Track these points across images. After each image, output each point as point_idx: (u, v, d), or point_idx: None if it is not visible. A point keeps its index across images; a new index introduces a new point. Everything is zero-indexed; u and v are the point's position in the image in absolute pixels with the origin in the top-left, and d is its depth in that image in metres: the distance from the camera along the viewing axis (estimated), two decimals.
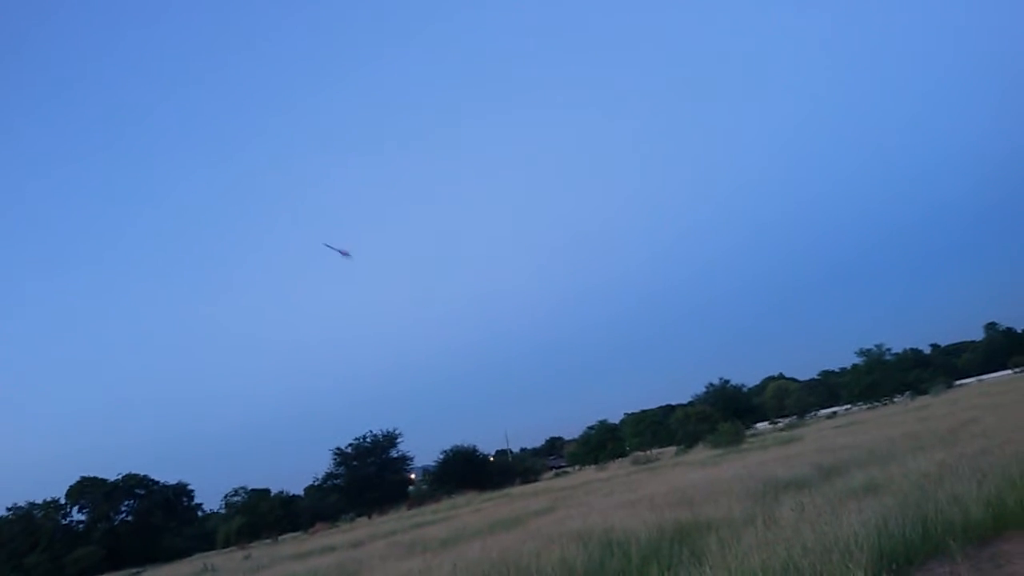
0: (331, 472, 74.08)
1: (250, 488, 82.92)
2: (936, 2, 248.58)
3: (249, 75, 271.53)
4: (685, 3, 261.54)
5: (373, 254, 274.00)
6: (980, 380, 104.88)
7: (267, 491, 79.80)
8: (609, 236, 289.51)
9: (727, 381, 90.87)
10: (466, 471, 71.83)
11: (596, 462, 78.99)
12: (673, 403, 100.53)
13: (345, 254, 52.84)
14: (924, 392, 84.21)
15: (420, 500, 67.56)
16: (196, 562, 47.67)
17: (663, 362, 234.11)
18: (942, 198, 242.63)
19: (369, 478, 71.38)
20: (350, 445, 73.94)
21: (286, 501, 75.99)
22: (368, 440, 74.34)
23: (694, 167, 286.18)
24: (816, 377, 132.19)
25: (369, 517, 64.51)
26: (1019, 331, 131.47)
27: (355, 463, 73.76)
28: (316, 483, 77.14)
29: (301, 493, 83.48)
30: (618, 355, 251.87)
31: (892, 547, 7.54)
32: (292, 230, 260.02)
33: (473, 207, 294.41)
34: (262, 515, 69.99)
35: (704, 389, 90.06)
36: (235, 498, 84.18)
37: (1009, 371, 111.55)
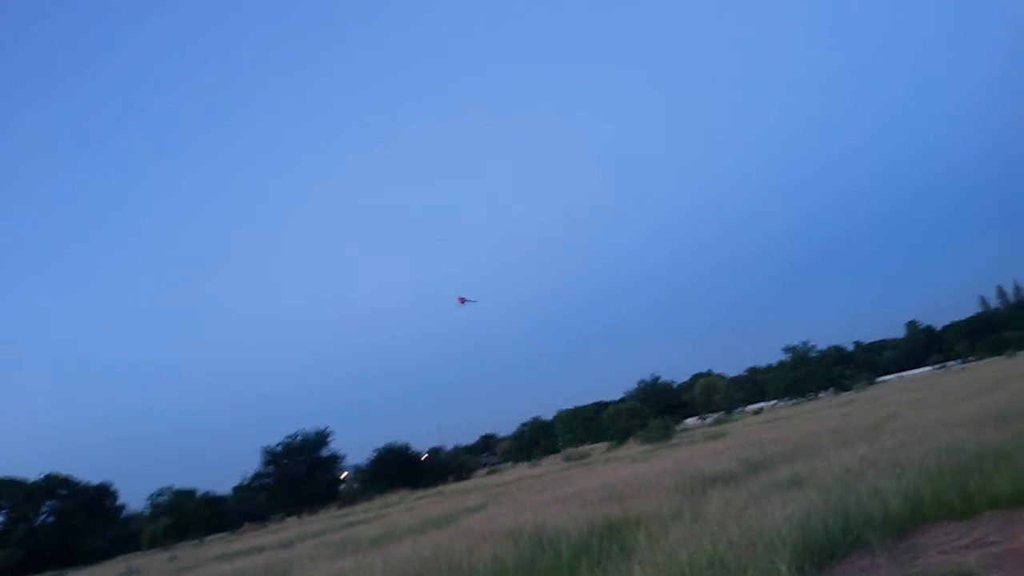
0: (260, 471, 72.96)
1: (175, 488, 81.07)
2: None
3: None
4: None
5: (296, 248, 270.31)
6: (901, 377, 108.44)
7: (193, 491, 78.06)
8: (540, 236, 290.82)
9: (658, 378, 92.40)
10: (398, 469, 71.54)
11: (529, 459, 79.45)
12: (606, 400, 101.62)
13: (472, 301, 52.91)
14: (847, 388, 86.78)
15: (351, 499, 67.01)
16: (119, 564, 46.39)
17: (596, 359, 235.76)
18: (863, 201, 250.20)
19: (299, 477, 70.49)
20: (280, 444, 72.91)
21: (213, 501, 74.43)
22: (298, 439, 73.41)
23: (635, 169, 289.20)
24: (744, 373, 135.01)
25: (299, 517, 63.76)
26: (938, 329, 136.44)
27: (285, 462, 72.75)
28: (244, 483, 75.86)
29: (229, 493, 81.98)
30: (552, 352, 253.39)
31: (815, 540, 7.71)
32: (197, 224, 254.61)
33: (408, 198, 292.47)
34: (188, 516, 68.44)
35: (636, 386, 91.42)
36: (160, 499, 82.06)
37: (928, 368, 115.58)
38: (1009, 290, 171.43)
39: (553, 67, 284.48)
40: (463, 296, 54.71)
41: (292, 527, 43.86)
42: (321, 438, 74.33)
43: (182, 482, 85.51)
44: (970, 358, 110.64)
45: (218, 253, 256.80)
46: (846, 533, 7.97)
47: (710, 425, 72.25)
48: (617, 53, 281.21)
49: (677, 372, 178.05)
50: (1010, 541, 6.73)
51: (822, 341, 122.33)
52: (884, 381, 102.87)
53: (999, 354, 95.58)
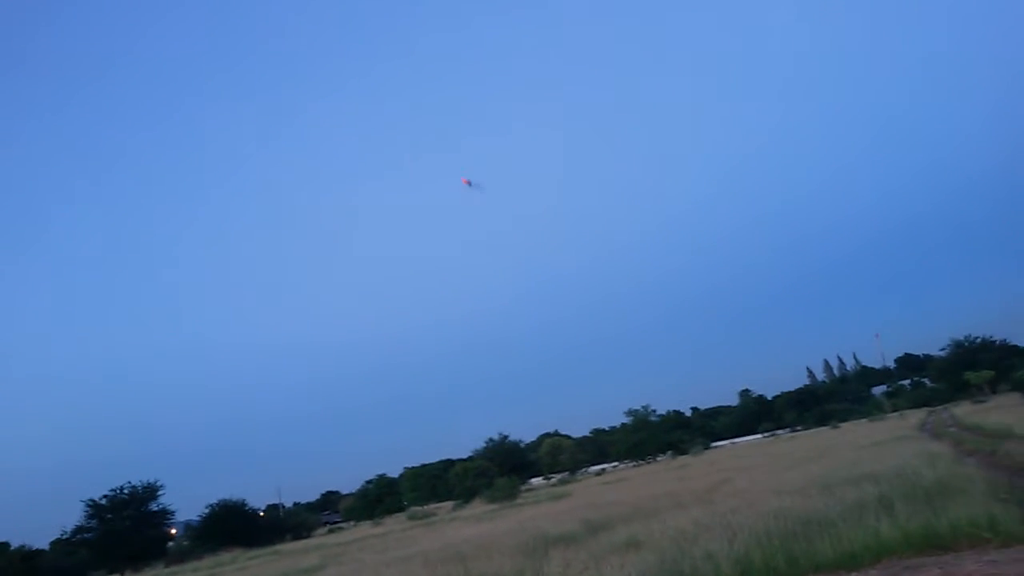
0: (82, 525, 67.70)
1: None
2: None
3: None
4: None
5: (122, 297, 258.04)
6: (734, 443, 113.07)
7: (6, 545, 71.87)
8: (390, 289, 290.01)
9: (506, 436, 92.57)
10: (233, 526, 68.11)
11: (372, 517, 77.51)
12: (453, 458, 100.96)
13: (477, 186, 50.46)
14: (685, 452, 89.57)
15: (181, 557, 63.30)
16: None
17: (444, 416, 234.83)
18: (696, 276, 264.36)
19: (125, 533, 65.83)
20: (105, 497, 68.07)
21: (27, 556, 68.57)
22: (126, 492, 68.79)
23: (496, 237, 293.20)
24: (588, 435, 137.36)
25: (122, 575, 59.59)
26: (769, 399, 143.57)
27: (109, 516, 67.89)
28: (64, 536, 70.21)
29: (47, 547, 75.64)
30: (399, 408, 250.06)
31: None
32: None
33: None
34: (0, 571, 62.71)
35: (484, 444, 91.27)
36: None
37: (759, 435, 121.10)
38: (834, 364, 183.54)
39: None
40: (469, 181, 53.10)
41: None
42: (150, 492, 69.89)
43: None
44: (798, 427, 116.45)
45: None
46: None
47: (555, 485, 72.85)
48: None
49: (525, 431, 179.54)
50: None
51: (662, 406, 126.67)
52: (719, 446, 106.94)
53: (824, 424, 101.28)
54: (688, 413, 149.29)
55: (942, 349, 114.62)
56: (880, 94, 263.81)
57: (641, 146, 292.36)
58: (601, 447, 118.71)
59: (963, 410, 61.72)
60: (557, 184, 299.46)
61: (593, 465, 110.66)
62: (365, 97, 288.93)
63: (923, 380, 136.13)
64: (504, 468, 76.71)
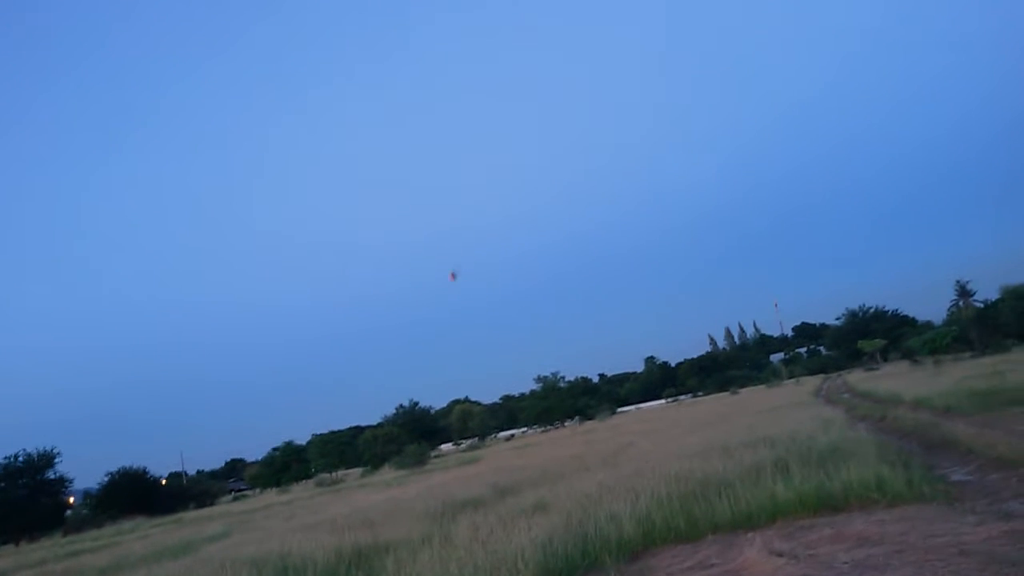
0: None
1: None
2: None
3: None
4: None
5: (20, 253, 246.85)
6: (639, 408, 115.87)
7: None
8: (304, 258, 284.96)
9: (416, 403, 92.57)
10: (134, 495, 66.45)
11: (279, 485, 76.59)
12: (363, 424, 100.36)
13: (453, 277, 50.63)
14: (591, 418, 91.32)
15: (79, 526, 61.34)
16: None
17: (355, 383, 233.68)
18: (605, 241, 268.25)
19: (19, 501, 63.44)
20: None
21: None
22: (20, 460, 66.19)
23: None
24: (498, 401, 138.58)
25: (16, 545, 57.48)
26: (672, 365, 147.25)
27: (3, 484, 65.28)
28: None
29: None
30: (309, 375, 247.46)
31: (555, 564, 7.98)
32: None
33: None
34: None
35: (394, 411, 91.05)
36: None
37: (663, 401, 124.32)
38: (735, 332, 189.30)
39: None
40: (454, 273, 53.61)
41: (8, 555, 39.36)
42: (46, 459, 67.40)
43: None
44: (700, 393, 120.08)
45: None
46: (584, 556, 8.32)
47: (464, 451, 73.28)
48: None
49: (435, 398, 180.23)
50: (728, 563, 7.32)
51: (570, 372, 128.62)
52: (624, 411, 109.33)
53: (725, 390, 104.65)
54: (595, 379, 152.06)
55: (837, 318, 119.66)
56: (792, 72, 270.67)
57: (544, 114, 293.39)
58: (511, 413, 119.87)
59: (856, 377, 64.60)
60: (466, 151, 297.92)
61: (503, 431, 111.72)
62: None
63: (819, 348, 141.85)
64: (414, 434, 76.77)
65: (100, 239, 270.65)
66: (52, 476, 67.83)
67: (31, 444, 70.69)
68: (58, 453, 68.35)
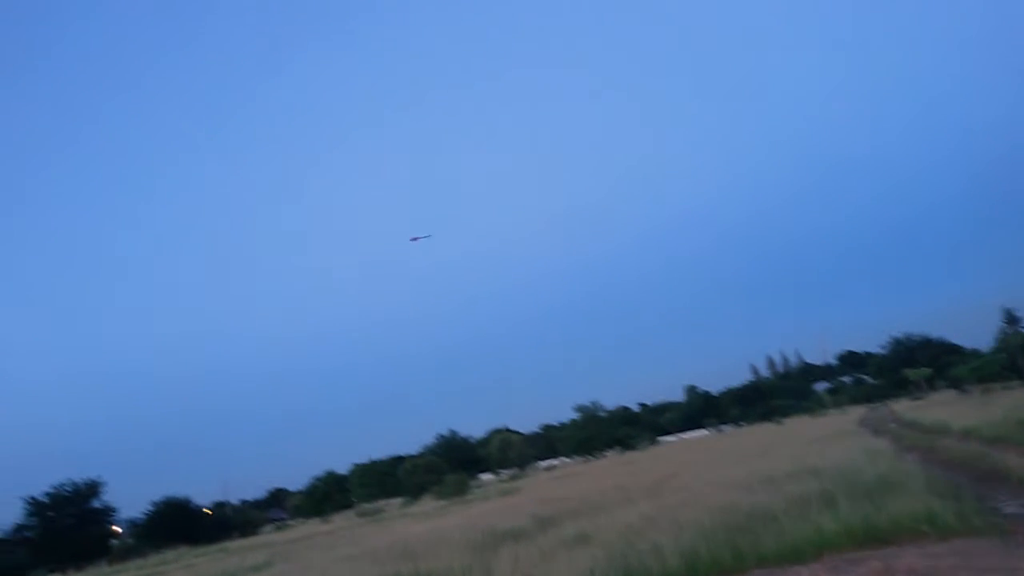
0: (22, 524, 66.15)
1: None
2: None
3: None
4: None
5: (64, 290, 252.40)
6: (681, 438, 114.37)
7: None
8: (341, 284, 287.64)
9: (455, 432, 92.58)
10: (178, 524, 67.12)
11: (321, 515, 76.84)
12: (403, 454, 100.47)
13: (427, 236, 51.35)
14: (632, 447, 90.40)
15: (124, 555, 62.18)
16: None
17: (395, 412, 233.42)
18: (642, 273, 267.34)
19: (66, 531, 64.47)
20: (46, 494, 66.57)
21: None
22: (67, 489, 67.33)
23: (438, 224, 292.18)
24: (538, 430, 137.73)
25: (64, 573, 58.34)
26: (715, 394, 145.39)
27: (51, 514, 66.41)
28: (3, 535, 68.53)
29: None
30: (349, 403, 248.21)
31: None
32: None
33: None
34: None
35: (434, 440, 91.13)
36: None
37: (705, 431, 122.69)
38: (778, 361, 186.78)
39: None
40: (416, 236, 53.78)
41: None
42: (92, 489, 68.52)
43: None
44: (743, 423, 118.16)
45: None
46: None
47: (505, 481, 72.93)
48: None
49: (474, 427, 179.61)
50: None
51: (610, 402, 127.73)
52: (666, 441, 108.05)
53: (768, 420, 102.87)
54: (636, 409, 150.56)
55: (882, 347, 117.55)
56: (820, 89, 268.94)
57: (584, 141, 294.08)
58: (550, 443, 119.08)
59: (902, 406, 63.36)
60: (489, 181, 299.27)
61: (542, 461, 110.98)
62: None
63: (864, 377, 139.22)
64: (454, 464, 76.66)
65: (145, 267, 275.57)
66: (98, 506, 68.86)
67: (76, 473, 71.68)
68: (104, 483, 69.43)
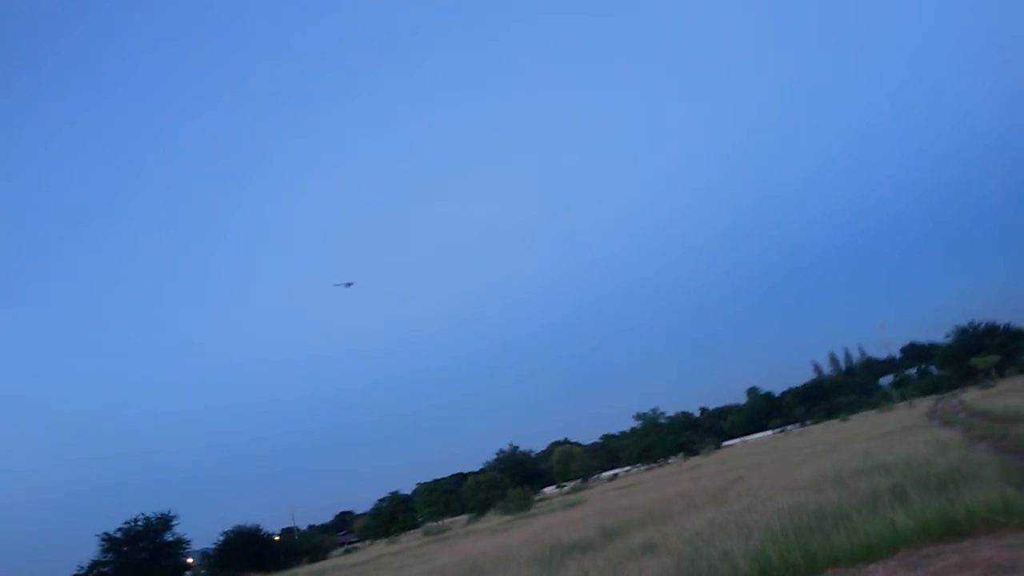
0: (98, 560, 67.62)
1: None
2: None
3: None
4: None
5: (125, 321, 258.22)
6: (744, 441, 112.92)
7: None
8: (399, 301, 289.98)
9: (516, 447, 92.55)
10: (249, 552, 68.04)
11: (387, 535, 77.45)
12: (465, 471, 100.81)
13: (349, 284, 52.19)
14: (695, 453, 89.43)
15: None
16: None
17: (455, 430, 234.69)
18: (699, 274, 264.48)
19: (141, 565, 65.75)
20: (119, 530, 67.98)
21: None
22: (140, 524, 68.71)
23: (483, 241, 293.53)
24: (598, 441, 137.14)
25: None
26: (777, 395, 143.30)
27: (125, 549, 67.81)
28: (81, 572, 70.19)
29: None
30: (410, 424, 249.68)
31: None
32: None
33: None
34: None
35: (495, 455, 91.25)
36: None
37: (769, 432, 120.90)
38: (840, 357, 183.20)
39: None
40: (347, 282, 54.27)
41: None
42: (164, 522, 69.83)
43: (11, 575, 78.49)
44: (807, 422, 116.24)
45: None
46: None
47: (568, 493, 72.76)
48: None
49: (535, 441, 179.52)
50: None
51: (670, 408, 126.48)
52: (729, 445, 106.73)
53: (833, 418, 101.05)
54: (697, 414, 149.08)
55: (947, 336, 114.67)
56: (870, 84, 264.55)
57: (636, 142, 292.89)
58: (612, 452, 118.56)
59: (971, 396, 61.68)
60: (540, 187, 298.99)
61: (605, 471, 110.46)
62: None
63: (929, 368, 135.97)
64: (516, 479, 76.67)
65: (212, 298, 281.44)
66: (170, 538, 70.12)
67: (146, 505, 73.31)
68: (175, 515, 70.73)
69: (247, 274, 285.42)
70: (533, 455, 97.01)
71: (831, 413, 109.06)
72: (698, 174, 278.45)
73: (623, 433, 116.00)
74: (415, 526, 78.65)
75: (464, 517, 73.11)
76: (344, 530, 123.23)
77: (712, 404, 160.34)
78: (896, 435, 27.18)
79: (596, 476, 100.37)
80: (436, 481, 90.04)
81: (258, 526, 73.42)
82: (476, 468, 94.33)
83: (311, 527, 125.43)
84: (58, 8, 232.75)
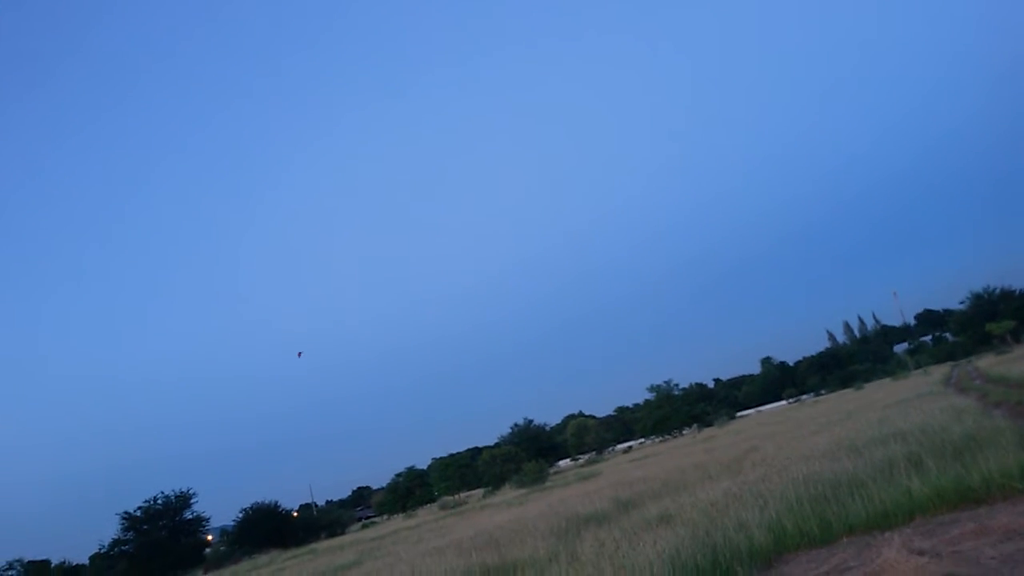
0: (119, 538, 68.41)
1: (27, 560, 75.15)
2: None
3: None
4: None
5: (151, 306, 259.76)
6: (759, 411, 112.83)
7: (47, 562, 73.11)
8: (417, 281, 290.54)
9: (531, 421, 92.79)
10: (268, 529, 68.68)
11: (404, 510, 78.04)
12: (480, 445, 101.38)
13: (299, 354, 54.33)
14: (710, 424, 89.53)
15: (218, 563, 63.93)
16: None
17: (470, 404, 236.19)
18: (714, 248, 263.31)
19: (161, 542, 66.49)
20: (139, 508, 68.76)
21: (69, 571, 69.77)
22: (159, 502, 69.42)
23: (503, 216, 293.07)
24: (612, 413, 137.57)
25: None
26: (791, 364, 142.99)
27: (145, 527, 68.58)
28: (102, 551, 71.12)
29: (86, 563, 76.74)
30: (425, 399, 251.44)
31: (684, 575, 7.88)
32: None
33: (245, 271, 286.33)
34: None
35: (509, 429, 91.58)
36: (9, 572, 75.96)
37: (784, 402, 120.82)
38: (854, 325, 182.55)
39: None
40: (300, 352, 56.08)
41: None
42: (183, 500, 70.58)
43: (35, 553, 79.51)
44: (822, 391, 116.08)
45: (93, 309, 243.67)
46: (715, 566, 8.16)
47: (583, 466, 73.02)
48: None
49: (549, 414, 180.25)
50: (867, 565, 7.06)
51: (684, 379, 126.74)
52: (744, 415, 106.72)
53: (848, 386, 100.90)
54: (711, 385, 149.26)
55: (961, 302, 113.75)
56: (897, 58, 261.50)
57: (647, 114, 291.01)
58: (626, 425, 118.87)
59: (987, 362, 61.33)
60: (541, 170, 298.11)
61: (619, 443, 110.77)
62: None
63: (944, 335, 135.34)
64: (531, 452, 76.99)
65: (233, 279, 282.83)
66: (190, 516, 70.89)
67: (166, 481, 74.13)
68: (194, 493, 71.48)
69: (266, 250, 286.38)
70: (548, 428, 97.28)
71: (846, 382, 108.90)
72: (714, 148, 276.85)
73: (637, 405, 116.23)
74: (431, 500, 79.21)
75: (480, 491, 73.58)
76: (361, 505, 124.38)
77: (726, 375, 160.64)
78: (911, 403, 27.08)
79: (611, 449, 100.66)
80: (452, 456, 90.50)
81: (276, 502, 74.17)
82: (491, 442, 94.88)
83: (329, 503, 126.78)
84: (74, 13, 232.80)
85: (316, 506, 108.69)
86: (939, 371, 74.55)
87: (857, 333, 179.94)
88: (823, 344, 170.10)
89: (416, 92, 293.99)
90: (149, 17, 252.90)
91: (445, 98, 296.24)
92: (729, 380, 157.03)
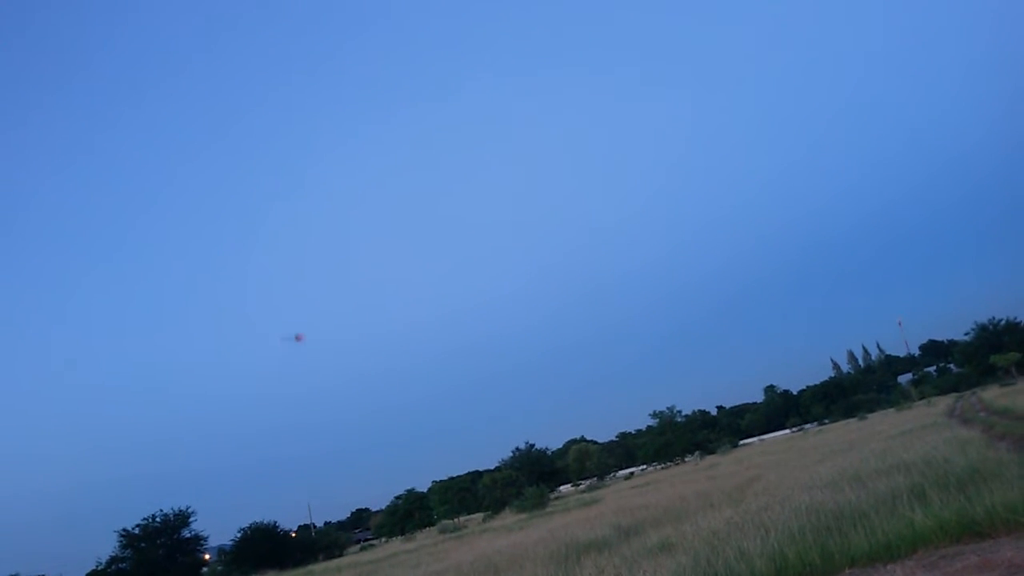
0: (116, 555, 68.02)
1: None
2: None
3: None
4: None
5: (155, 323, 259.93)
6: (762, 439, 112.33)
7: None
8: (419, 303, 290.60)
9: (532, 445, 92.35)
10: (266, 549, 68.33)
11: (403, 533, 77.59)
12: (481, 468, 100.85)
13: (299, 338, 51.47)
14: (712, 451, 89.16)
15: None
16: None
17: (471, 427, 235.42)
18: (718, 276, 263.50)
19: (159, 561, 66.08)
20: (138, 526, 68.40)
21: None
22: (158, 520, 69.06)
23: (502, 240, 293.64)
24: (614, 439, 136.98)
25: None
26: (795, 393, 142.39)
27: (143, 545, 68.17)
28: (99, 568, 70.69)
29: None
30: (426, 421, 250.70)
31: None
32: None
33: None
34: None
35: (511, 453, 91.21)
36: None
37: (787, 431, 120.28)
38: (858, 354, 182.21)
39: None
40: (296, 335, 53.51)
41: None
42: (182, 518, 70.19)
43: (32, 569, 79.18)
44: (825, 420, 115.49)
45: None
46: None
47: (584, 491, 72.62)
48: None
49: (551, 439, 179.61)
50: None
51: (687, 406, 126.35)
52: (747, 444, 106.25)
53: (852, 416, 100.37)
54: (714, 412, 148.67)
55: (966, 333, 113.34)
56: (899, 84, 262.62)
57: (647, 140, 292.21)
58: (628, 451, 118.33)
59: (991, 394, 61.01)
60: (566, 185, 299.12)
61: (621, 469, 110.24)
62: None
63: (949, 366, 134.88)
64: (532, 477, 76.57)
65: (241, 299, 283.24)
66: (188, 535, 70.46)
67: (164, 499, 73.86)
68: (193, 512, 71.10)
69: (266, 267, 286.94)
70: (549, 453, 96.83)
71: (849, 411, 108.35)
72: (720, 178, 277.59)
73: (639, 431, 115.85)
74: (431, 524, 78.76)
75: (480, 515, 73.15)
76: (360, 527, 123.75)
77: (729, 402, 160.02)
78: (915, 434, 26.93)
79: (612, 474, 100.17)
80: (452, 479, 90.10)
81: (275, 523, 73.79)
82: (492, 466, 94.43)
83: (327, 524, 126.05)
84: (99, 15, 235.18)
85: (315, 527, 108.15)
86: (943, 402, 74.18)
87: (861, 363, 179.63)
88: (827, 373, 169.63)
89: (401, 122, 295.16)
90: (165, 26, 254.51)
91: (433, 128, 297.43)
92: (732, 408, 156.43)
